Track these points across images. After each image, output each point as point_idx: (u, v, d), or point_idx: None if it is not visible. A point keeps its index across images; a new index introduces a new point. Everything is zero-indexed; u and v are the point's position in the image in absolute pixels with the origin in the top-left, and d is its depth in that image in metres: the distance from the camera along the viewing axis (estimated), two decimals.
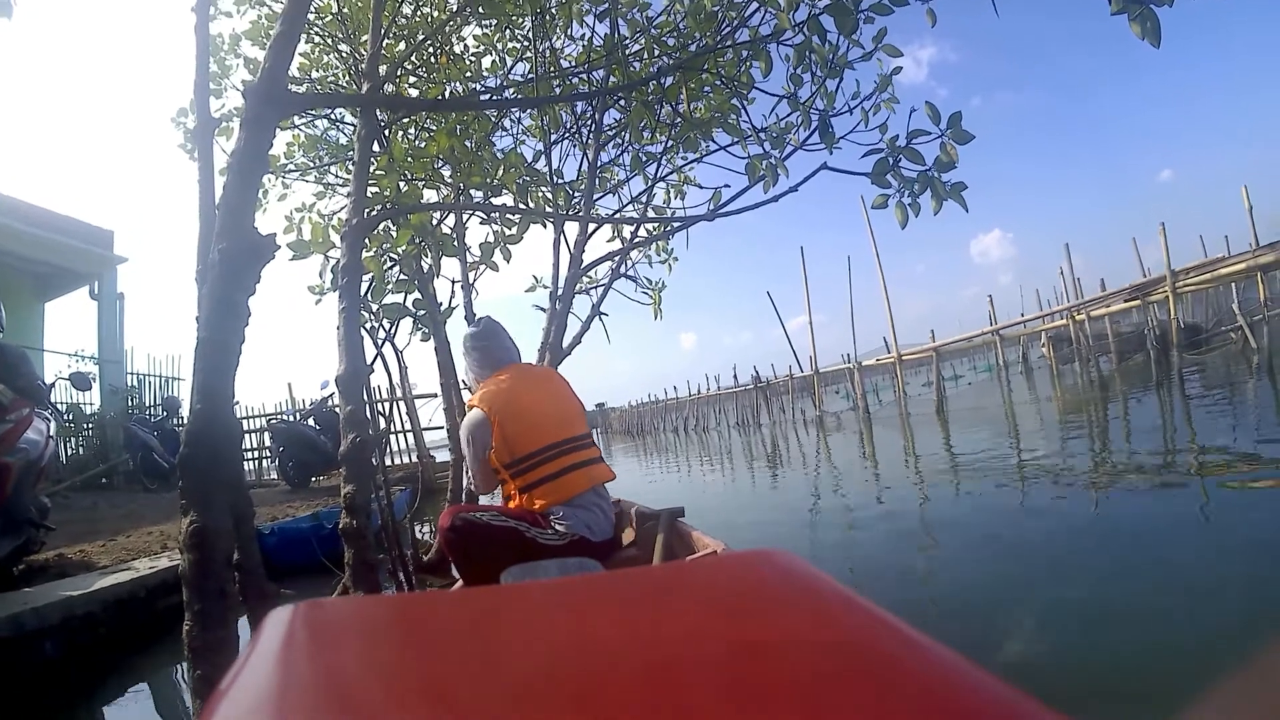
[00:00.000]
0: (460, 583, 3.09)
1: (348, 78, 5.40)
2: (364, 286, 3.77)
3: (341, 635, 0.64)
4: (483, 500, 4.10)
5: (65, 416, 11.67)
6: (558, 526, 3.04)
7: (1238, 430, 6.89)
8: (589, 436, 3.32)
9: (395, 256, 4.35)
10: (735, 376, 31.78)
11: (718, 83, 4.32)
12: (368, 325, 4.14)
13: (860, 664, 0.50)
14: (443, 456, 10.81)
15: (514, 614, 0.67)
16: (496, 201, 4.29)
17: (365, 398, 3.13)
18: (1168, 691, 2.28)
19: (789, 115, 4.16)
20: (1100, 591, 3.35)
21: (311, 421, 12.41)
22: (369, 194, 3.65)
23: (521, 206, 4.02)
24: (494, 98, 4.73)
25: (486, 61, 5.60)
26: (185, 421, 1.77)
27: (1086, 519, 4.69)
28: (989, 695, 0.44)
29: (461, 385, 5.37)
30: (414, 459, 12.67)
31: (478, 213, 5.01)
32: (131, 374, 14.01)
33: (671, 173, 5.90)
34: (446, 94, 4.83)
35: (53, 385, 5.69)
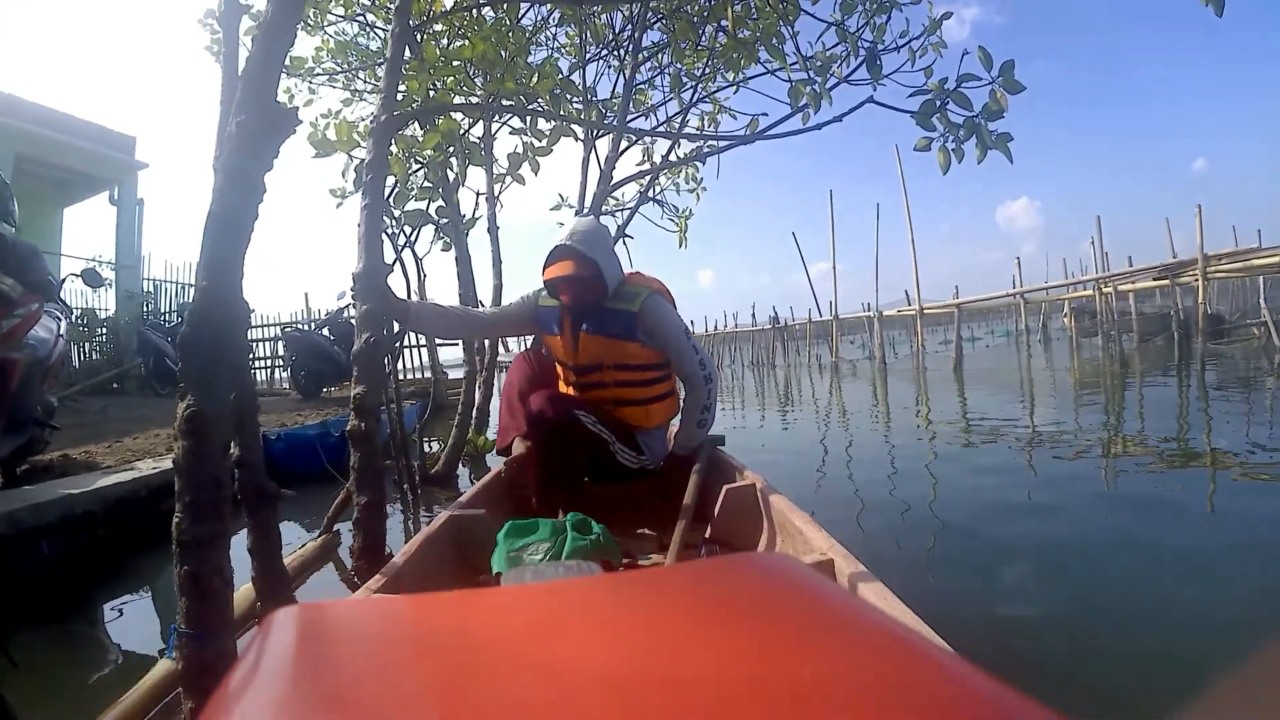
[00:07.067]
0: (471, 491, 3.04)
1: None
2: (387, 191, 3.70)
3: (343, 637, 0.64)
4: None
5: (80, 320, 11.74)
6: (645, 449, 3.02)
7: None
8: None
9: (421, 160, 4.28)
10: (754, 316, 31.69)
11: (765, 4, 4.20)
12: (389, 230, 4.09)
13: (862, 668, 0.49)
14: (455, 374, 10.80)
15: (515, 616, 0.67)
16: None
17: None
18: (1156, 670, 2.23)
19: (835, 46, 4.06)
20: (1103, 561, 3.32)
21: (326, 332, 12.43)
22: (398, 98, 3.57)
23: (556, 113, 3.94)
24: None
25: None
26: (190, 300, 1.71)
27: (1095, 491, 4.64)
28: (991, 699, 0.43)
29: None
30: (427, 375, 12.74)
31: (507, 124, 4.92)
32: (148, 280, 14.13)
33: (706, 98, 5.78)
34: None
35: (64, 281, 5.63)
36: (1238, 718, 1.90)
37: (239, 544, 1.82)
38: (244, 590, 2.36)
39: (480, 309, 3.19)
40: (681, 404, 3.12)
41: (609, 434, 2.91)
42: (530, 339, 4.05)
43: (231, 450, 1.89)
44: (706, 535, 2.55)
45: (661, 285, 3.10)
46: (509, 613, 0.68)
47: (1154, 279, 16.53)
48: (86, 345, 12.57)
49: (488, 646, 0.57)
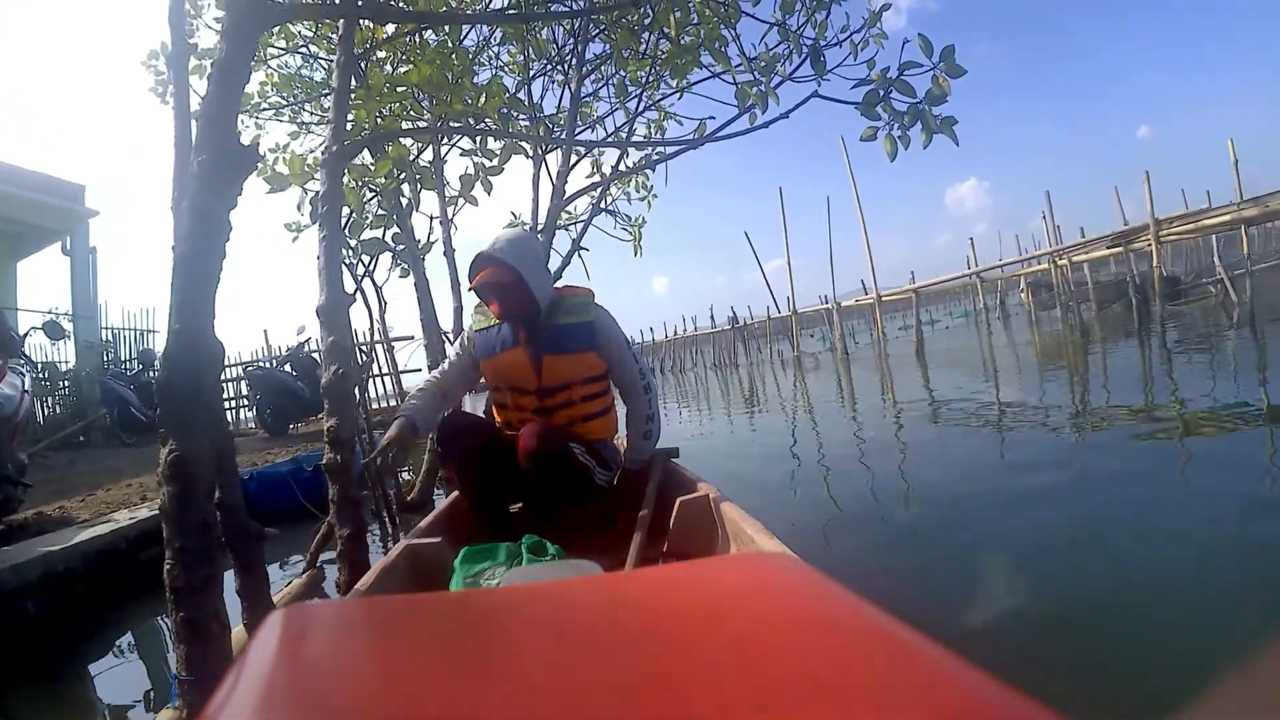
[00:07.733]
0: (428, 519, 3.01)
1: None
2: (343, 220, 3.69)
3: (339, 637, 0.65)
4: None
5: (42, 374, 11.53)
6: (613, 463, 2.97)
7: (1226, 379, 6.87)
8: None
9: (374, 188, 4.28)
10: (712, 318, 31.75)
11: (706, 10, 4.25)
12: (347, 261, 4.08)
13: (863, 668, 0.50)
14: None
15: (512, 617, 0.67)
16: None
17: (347, 328, 3.04)
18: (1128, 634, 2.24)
19: (778, 45, 4.11)
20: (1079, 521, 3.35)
21: (289, 368, 12.31)
22: (346, 127, 3.55)
23: (504, 131, 3.96)
24: (483, 12, 4.61)
25: None
26: (163, 345, 1.69)
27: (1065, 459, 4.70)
28: (992, 700, 0.44)
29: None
30: (394, 403, 12.66)
31: (458, 144, 4.93)
32: (106, 329, 13.86)
33: (651, 106, 5.84)
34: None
35: (26, 335, 5.53)
36: (1235, 713, 1.89)
37: (226, 586, 1.81)
38: (237, 633, 2.35)
39: (437, 379, 3.08)
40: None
41: (592, 461, 2.86)
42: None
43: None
44: (664, 549, 2.52)
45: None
46: (508, 614, 0.69)
47: (1108, 248, 16.72)
48: (50, 399, 12.33)
49: (486, 647, 0.58)
